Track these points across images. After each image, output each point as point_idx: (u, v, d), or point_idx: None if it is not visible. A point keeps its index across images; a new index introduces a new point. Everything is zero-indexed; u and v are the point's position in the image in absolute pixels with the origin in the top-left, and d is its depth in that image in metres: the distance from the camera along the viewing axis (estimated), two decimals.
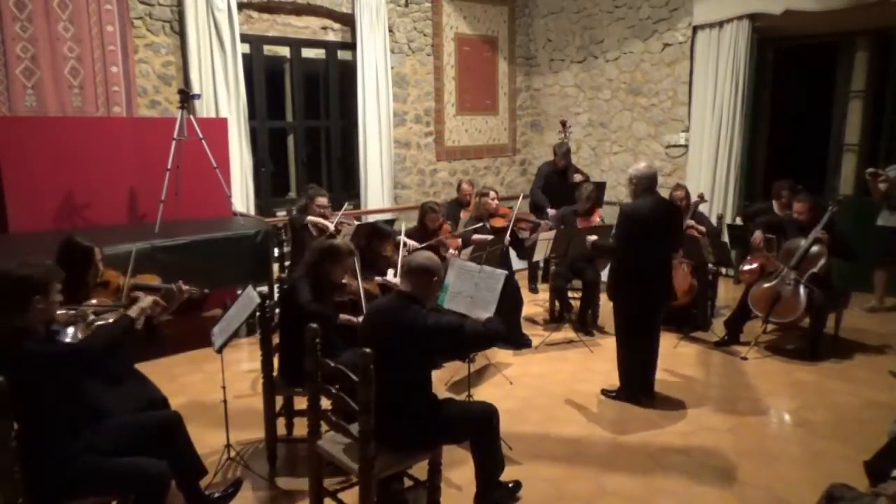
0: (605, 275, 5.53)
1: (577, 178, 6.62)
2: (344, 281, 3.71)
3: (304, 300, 3.36)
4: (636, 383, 4.21)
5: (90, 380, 2.81)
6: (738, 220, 6.04)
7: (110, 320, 2.90)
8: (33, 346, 2.43)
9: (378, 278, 4.54)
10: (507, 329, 5.06)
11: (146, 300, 2.87)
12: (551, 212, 6.26)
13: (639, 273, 4.01)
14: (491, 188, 5.76)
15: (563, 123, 7.19)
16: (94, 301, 3.25)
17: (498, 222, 5.61)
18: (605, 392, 4.35)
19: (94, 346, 2.59)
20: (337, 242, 3.60)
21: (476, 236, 5.26)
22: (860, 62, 6.53)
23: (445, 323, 2.71)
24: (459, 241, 5.37)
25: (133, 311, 2.78)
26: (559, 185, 6.58)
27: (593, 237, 4.40)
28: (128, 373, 3.22)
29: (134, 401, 2.99)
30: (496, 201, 5.62)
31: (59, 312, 2.74)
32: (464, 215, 6.17)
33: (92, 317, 3.01)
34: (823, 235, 4.84)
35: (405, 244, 4.94)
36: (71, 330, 2.91)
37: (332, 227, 5.03)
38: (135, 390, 3.11)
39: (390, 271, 4.62)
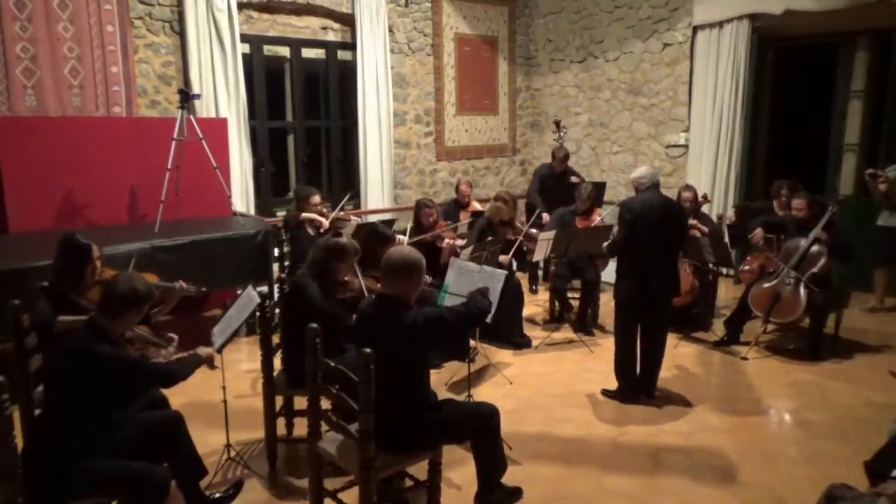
0: (605, 275, 5.57)
1: (574, 179, 6.62)
2: (346, 279, 3.72)
3: (319, 300, 3.37)
4: (635, 383, 4.21)
5: None
6: (731, 214, 6.03)
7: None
8: (117, 353, 2.52)
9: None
10: (507, 329, 5.17)
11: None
12: (545, 216, 6.23)
13: (634, 267, 4.01)
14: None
15: (557, 124, 7.16)
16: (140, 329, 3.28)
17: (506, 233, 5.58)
18: (605, 392, 4.35)
19: (182, 375, 2.75)
20: (343, 241, 3.62)
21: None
22: (860, 62, 6.52)
23: (424, 320, 2.66)
24: (455, 234, 5.40)
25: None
26: (555, 187, 6.58)
27: (607, 241, 4.39)
28: None
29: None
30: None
31: None
32: (463, 216, 6.16)
33: (144, 343, 3.09)
34: (823, 235, 4.84)
35: (399, 242, 4.96)
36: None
37: (326, 223, 5.11)
38: None
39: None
